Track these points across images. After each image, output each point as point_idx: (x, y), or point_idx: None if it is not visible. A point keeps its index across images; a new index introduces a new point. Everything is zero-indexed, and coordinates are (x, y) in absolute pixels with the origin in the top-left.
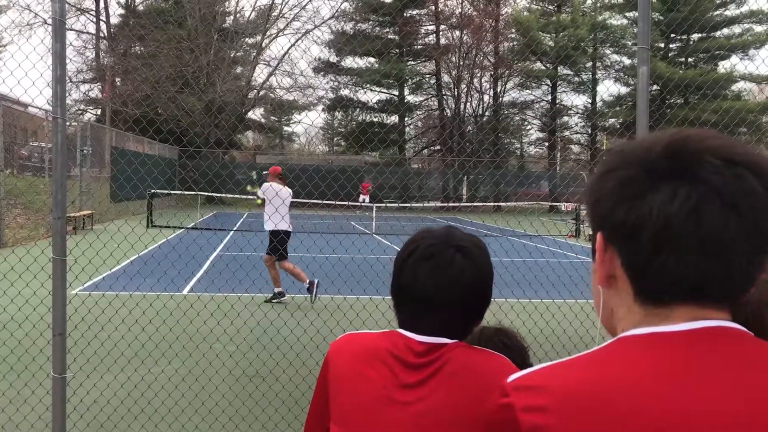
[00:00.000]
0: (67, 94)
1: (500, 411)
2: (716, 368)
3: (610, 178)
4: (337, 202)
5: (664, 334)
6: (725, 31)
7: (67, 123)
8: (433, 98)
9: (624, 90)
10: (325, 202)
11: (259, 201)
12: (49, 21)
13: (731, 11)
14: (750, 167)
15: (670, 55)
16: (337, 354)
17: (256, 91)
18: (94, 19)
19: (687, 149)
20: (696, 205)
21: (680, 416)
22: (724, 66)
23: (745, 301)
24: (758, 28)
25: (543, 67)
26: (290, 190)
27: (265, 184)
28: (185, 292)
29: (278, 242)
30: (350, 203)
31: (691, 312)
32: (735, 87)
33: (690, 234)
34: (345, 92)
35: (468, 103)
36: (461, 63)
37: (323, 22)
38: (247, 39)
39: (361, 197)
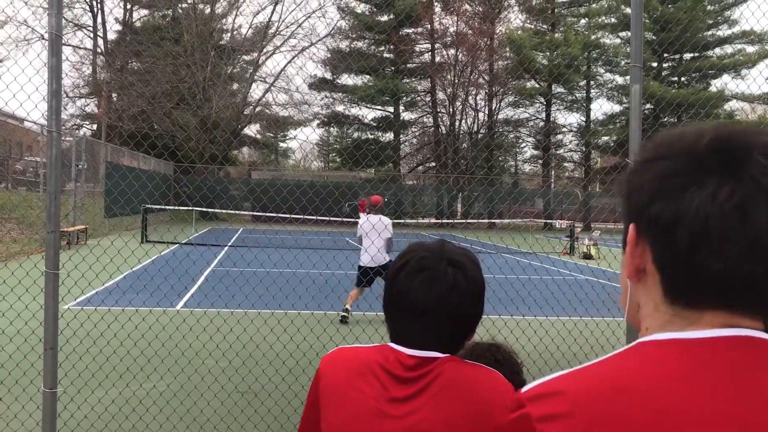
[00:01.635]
0: (62, 109)
1: (514, 425)
2: (743, 378)
3: (651, 169)
4: (332, 218)
5: (689, 341)
6: (717, 50)
7: (63, 137)
8: (428, 115)
9: (617, 108)
10: (319, 218)
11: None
12: (46, 36)
13: (723, 31)
14: None
15: (663, 74)
16: (328, 368)
17: (252, 107)
18: (92, 35)
19: (735, 144)
20: (741, 204)
21: (705, 424)
22: (716, 85)
23: None
24: (750, 48)
25: (537, 85)
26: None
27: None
28: (178, 307)
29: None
30: (344, 219)
31: (722, 318)
32: (727, 106)
33: (732, 233)
34: (340, 108)
35: (463, 120)
36: (456, 80)
37: (319, 40)
38: (243, 56)
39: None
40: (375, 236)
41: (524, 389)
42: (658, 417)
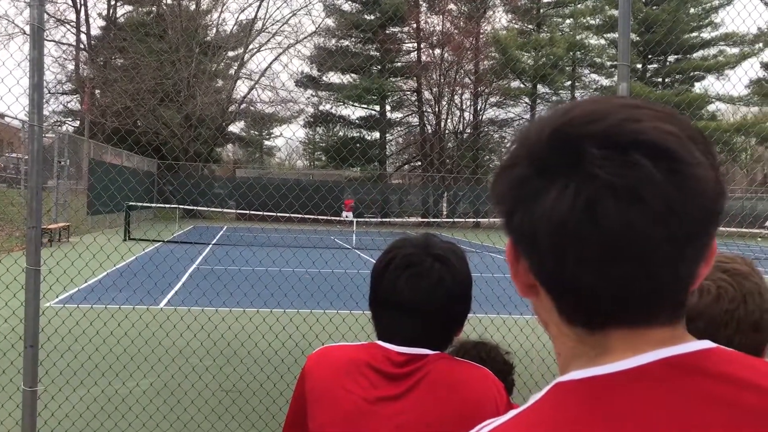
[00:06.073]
0: (45, 104)
1: None
2: (672, 414)
3: (507, 175)
4: (318, 216)
5: (606, 378)
6: (701, 52)
7: (45, 134)
8: (414, 114)
9: None
10: (304, 216)
11: None
12: (27, 29)
13: (707, 33)
14: (643, 149)
15: (647, 75)
16: (315, 367)
17: (236, 104)
18: (75, 30)
19: (569, 138)
20: (589, 204)
21: None
22: (700, 86)
23: (730, 322)
24: (732, 50)
25: (522, 86)
26: None
27: None
28: (162, 305)
29: None
30: (330, 217)
31: (630, 336)
32: (710, 107)
33: (589, 237)
34: (326, 107)
35: (449, 120)
36: (442, 80)
37: (305, 37)
38: (228, 52)
39: (344, 213)
40: None
41: None
42: None
